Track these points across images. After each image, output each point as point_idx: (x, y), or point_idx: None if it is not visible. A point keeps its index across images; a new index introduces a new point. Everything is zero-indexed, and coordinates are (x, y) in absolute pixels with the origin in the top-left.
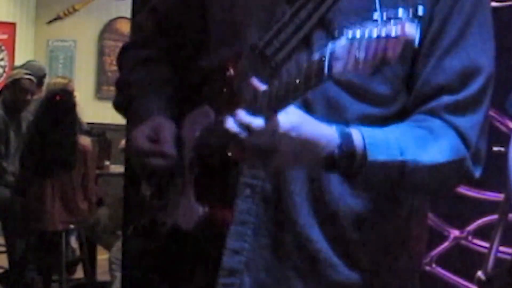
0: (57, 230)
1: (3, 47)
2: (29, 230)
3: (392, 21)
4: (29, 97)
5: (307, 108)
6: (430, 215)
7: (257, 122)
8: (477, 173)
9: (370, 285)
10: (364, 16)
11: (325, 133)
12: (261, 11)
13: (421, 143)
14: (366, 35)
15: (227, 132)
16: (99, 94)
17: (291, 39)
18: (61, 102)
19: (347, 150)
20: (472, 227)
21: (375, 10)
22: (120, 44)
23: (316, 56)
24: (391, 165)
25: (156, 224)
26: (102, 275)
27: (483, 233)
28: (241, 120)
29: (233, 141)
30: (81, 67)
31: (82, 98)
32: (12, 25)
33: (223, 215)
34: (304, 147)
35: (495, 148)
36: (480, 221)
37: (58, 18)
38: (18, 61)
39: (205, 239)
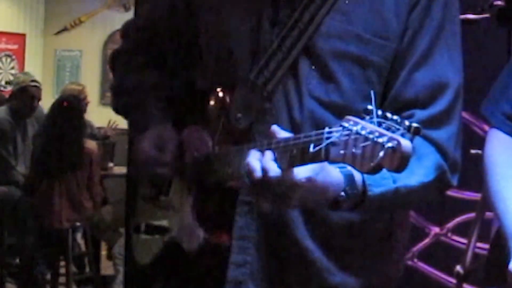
0: (64, 228)
1: (13, 57)
2: (38, 227)
3: (387, 125)
4: (35, 103)
5: (295, 128)
6: (412, 213)
7: (276, 170)
8: (455, 181)
9: (361, 283)
10: (347, 40)
11: (333, 180)
12: (248, 35)
13: (408, 167)
14: (363, 134)
15: (235, 165)
16: (103, 100)
17: (279, 68)
18: (69, 108)
19: (351, 192)
20: (451, 224)
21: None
22: (110, 53)
23: (315, 141)
24: (386, 194)
25: (157, 227)
26: (106, 269)
27: (461, 230)
28: (265, 163)
29: (248, 181)
30: (86, 75)
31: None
32: (22, 36)
33: (222, 238)
34: (315, 195)
35: (472, 151)
36: (458, 219)
37: (65, 29)
38: (27, 69)
39: (203, 254)
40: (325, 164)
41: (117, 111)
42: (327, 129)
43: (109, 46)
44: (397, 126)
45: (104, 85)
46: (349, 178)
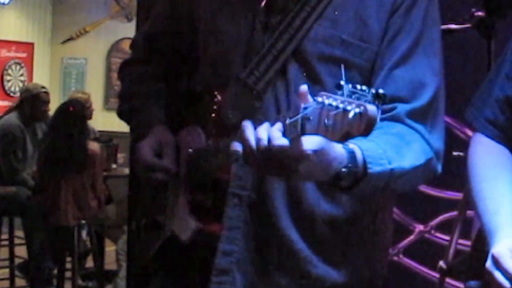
0: (70, 225)
1: (22, 64)
2: (45, 225)
3: (357, 96)
4: (45, 107)
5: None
6: (398, 212)
7: (284, 140)
8: (439, 169)
9: (343, 276)
10: (332, 44)
11: (337, 155)
12: (242, 39)
13: (399, 150)
14: (334, 105)
15: (227, 153)
16: (107, 105)
17: (269, 69)
18: (74, 112)
19: (353, 169)
20: (434, 222)
21: (342, 78)
22: (119, 64)
23: (292, 117)
24: (383, 174)
25: (156, 223)
26: (110, 264)
27: (444, 227)
28: (272, 131)
29: (251, 154)
30: (91, 82)
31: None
32: (31, 44)
33: (213, 228)
34: (320, 168)
35: (455, 153)
36: (441, 217)
37: (71, 38)
38: (35, 76)
39: (199, 245)
40: (329, 142)
41: (120, 116)
42: (303, 105)
43: (112, 54)
44: (365, 94)
45: (108, 91)
46: (352, 155)
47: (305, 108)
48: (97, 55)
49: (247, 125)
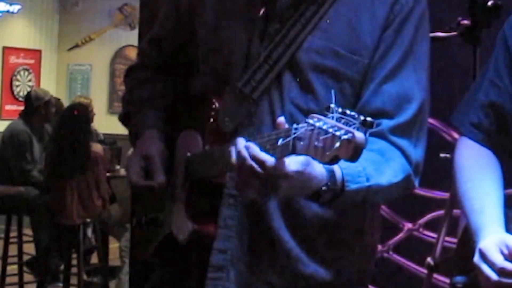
0: (76, 224)
1: (30, 70)
2: (52, 223)
3: (345, 121)
4: (54, 110)
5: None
6: (387, 210)
7: (271, 159)
8: (417, 183)
9: (333, 274)
10: (325, 55)
11: (318, 174)
12: (240, 47)
13: (379, 167)
14: (324, 128)
15: (222, 161)
16: (111, 109)
17: (265, 79)
18: (78, 116)
19: (332, 186)
20: (423, 220)
21: (331, 103)
22: (125, 70)
23: (284, 136)
24: (360, 191)
25: (156, 220)
26: (113, 261)
27: (432, 225)
28: (257, 155)
29: (241, 169)
30: (96, 87)
31: (97, 113)
32: (38, 52)
33: (209, 229)
34: (301, 185)
35: (442, 155)
36: (429, 216)
37: (76, 46)
38: (43, 82)
39: (195, 244)
40: (310, 158)
41: (120, 120)
42: (294, 125)
43: (116, 61)
44: (353, 121)
45: (112, 96)
46: (331, 174)
47: (296, 129)
48: (101, 62)
49: (238, 142)
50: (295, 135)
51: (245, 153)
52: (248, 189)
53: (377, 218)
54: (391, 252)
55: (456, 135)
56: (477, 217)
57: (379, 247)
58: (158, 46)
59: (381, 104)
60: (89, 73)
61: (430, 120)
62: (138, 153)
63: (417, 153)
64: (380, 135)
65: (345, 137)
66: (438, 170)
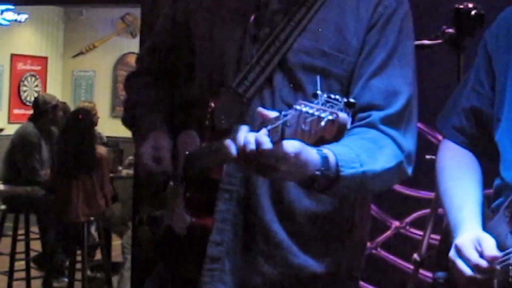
0: (80, 221)
1: (37, 76)
2: (58, 221)
3: (330, 104)
4: (61, 113)
5: None
6: (376, 209)
7: (269, 143)
8: (410, 171)
9: (323, 267)
10: (313, 55)
11: (313, 159)
12: (233, 51)
13: (372, 154)
14: (310, 112)
15: (218, 153)
16: (113, 113)
17: (257, 79)
18: (83, 120)
19: (326, 172)
20: (409, 219)
21: (317, 89)
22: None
23: (273, 123)
24: (355, 176)
25: (156, 219)
26: (116, 257)
27: (418, 223)
28: (259, 136)
29: (240, 155)
30: (99, 92)
31: (100, 116)
32: (45, 58)
33: (206, 222)
34: (297, 168)
35: (427, 156)
36: (416, 214)
37: (81, 53)
38: (49, 87)
39: (193, 237)
40: (306, 146)
41: (124, 123)
42: (283, 112)
43: (118, 67)
44: (337, 103)
45: (114, 100)
46: (325, 160)
47: (285, 115)
48: (104, 68)
49: (243, 128)
50: (284, 119)
51: (251, 138)
52: (254, 170)
53: (366, 214)
54: (379, 249)
55: (441, 138)
56: (456, 214)
57: (368, 244)
58: (156, 53)
59: (370, 98)
60: (92, 79)
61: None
62: (149, 144)
63: (408, 143)
64: (371, 126)
65: (330, 117)
66: (424, 170)
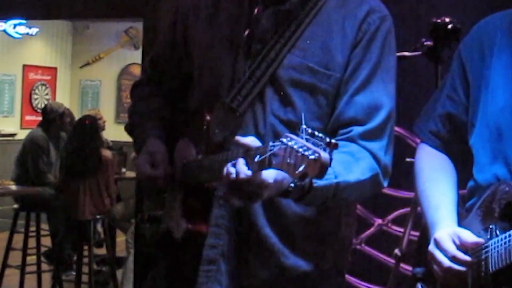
0: (87, 219)
1: (47, 85)
2: (66, 219)
3: (314, 141)
4: (69, 119)
5: (260, 138)
6: (360, 208)
7: (247, 172)
8: (386, 184)
9: (312, 266)
10: (301, 71)
11: (286, 175)
12: (228, 66)
13: (348, 166)
14: (295, 148)
15: (212, 170)
16: (118, 119)
17: (250, 94)
18: (89, 125)
19: (299, 184)
20: (391, 216)
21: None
22: (132, 84)
23: (261, 153)
24: (329, 187)
25: (156, 218)
26: (120, 252)
27: (399, 221)
28: (239, 169)
29: (224, 183)
30: (104, 100)
31: (106, 122)
32: (54, 69)
33: (201, 227)
34: (275, 189)
35: (407, 159)
36: (397, 212)
37: (87, 64)
38: (58, 96)
39: (190, 241)
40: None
41: (126, 130)
42: (270, 143)
43: (122, 77)
44: (320, 142)
45: (119, 107)
46: None
47: (272, 147)
48: (109, 78)
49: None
50: (271, 152)
51: (232, 170)
52: (233, 197)
53: (352, 216)
54: (363, 245)
55: (418, 142)
56: (433, 213)
57: (353, 240)
58: (157, 64)
59: (354, 113)
60: (98, 87)
61: (397, 129)
62: (146, 151)
63: (385, 156)
64: (350, 140)
65: (312, 157)
66: (405, 172)
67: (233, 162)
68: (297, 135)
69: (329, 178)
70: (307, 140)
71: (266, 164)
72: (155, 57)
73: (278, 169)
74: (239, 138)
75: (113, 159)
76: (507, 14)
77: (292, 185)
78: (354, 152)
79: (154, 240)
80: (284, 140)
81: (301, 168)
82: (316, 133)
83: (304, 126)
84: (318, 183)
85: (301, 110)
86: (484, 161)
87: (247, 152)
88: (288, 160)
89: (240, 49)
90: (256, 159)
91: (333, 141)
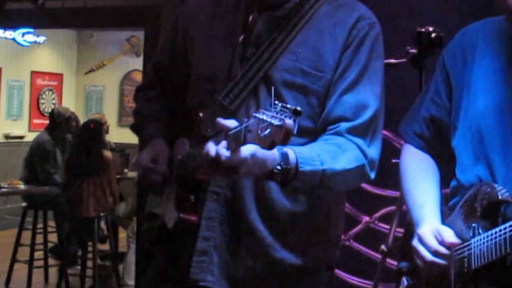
0: (91, 216)
1: (54, 91)
2: (71, 216)
3: (283, 112)
4: (74, 123)
5: None
6: (349, 206)
7: (225, 152)
8: (373, 175)
9: (301, 259)
10: (294, 73)
11: (270, 156)
12: (224, 68)
13: (334, 155)
14: (265, 119)
15: (202, 157)
16: (120, 123)
17: (241, 93)
18: (93, 129)
19: (285, 166)
20: (377, 214)
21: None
22: (135, 89)
23: (239, 127)
24: (315, 173)
25: (156, 215)
26: (122, 247)
27: (385, 218)
28: (219, 150)
29: (208, 163)
30: (107, 104)
31: (109, 124)
32: (60, 75)
33: (193, 219)
34: (257, 166)
35: (393, 160)
36: (383, 210)
37: (92, 70)
38: (64, 100)
39: (183, 232)
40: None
41: (132, 130)
42: (245, 120)
43: (124, 82)
44: (286, 111)
45: (121, 112)
46: (284, 156)
47: (247, 121)
48: (112, 83)
49: (209, 145)
50: (245, 124)
51: (210, 149)
52: (219, 174)
53: (341, 213)
54: (351, 241)
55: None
56: (418, 211)
57: (342, 236)
58: (159, 69)
59: (342, 112)
60: (102, 92)
61: (384, 132)
62: (149, 149)
63: (372, 151)
64: (338, 134)
65: (278, 123)
66: (391, 172)
67: (213, 140)
68: (270, 110)
69: (316, 164)
70: (277, 112)
71: (241, 141)
72: (157, 62)
73: (253, 143)
74: (219, 120)
75: (114, 160)
76: (488, 22)
77: (278, 167)
78: (340, 144)
79: (151, 235)
80: (257, 115)
81: (266, 132)
82: (285, 105)
83: (275, 101)
84: (304, 167)
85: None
86: (466, 162)
87: (227, 134)
88: (259, 132)
89: (236, 53)
90: (229, 133)
91: (298, 108)
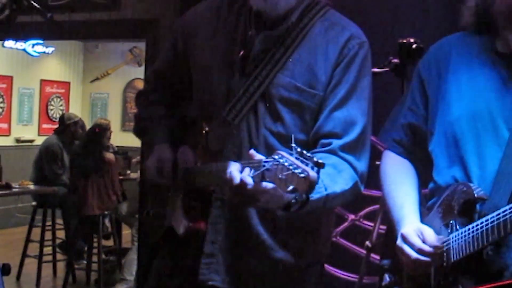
0: (96, 214)
1: (62, 97)
2: (78, 214)
3: (303, 159)
4: (80, 131)
5: (254, 148)
6: None
7: (250, 180)
8: (363, 189)
9: (297, 258)
10: (289, 90)
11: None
12: (224, 83)
13: (333, 178)
14: (286, 165)
15: (223, 180)
16: (123, 127)
17: (243, 108)
18: (98, 133)
19: (299, 199)
20: (363, 212)
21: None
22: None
23: (256, 167)
24: (320, 199)
25: (158, 215)
26: (126, 244)
27: (370, 216)
28: (244, 178)
29: (230, 188)
30: (112, 111)
31: (113, 131)
32: (68, 83)
33: (201, 225)
34: (274, 199)
35: (377, 162)
36: (368, 209)
37: (97, 79)
38: (71, 107)
39: (191, 237)
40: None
41: (135, 134)
42: (263, 159)
43: (127, 90)
44: (308, 161)
45: (124, 117)
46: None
47: (266, 162)
48: (116, 91)
49: (234, 166)
50: (264, 168)
51: (236, 174)
52: (234, 200)
53: (331, 215)
54: (338, 237)
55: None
56: (398, 211)
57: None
58: (160, 75)
59: (332, 127)
60: (106, 99)
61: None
62: (154, 157)
63: (361, 165)
64: (332, 152)
65: (302, 175)
66: (375, 174)
67: (235, 168)
68: (288, 153)
69: (321, 191)
70: (296, 158)
71: (260, 177)
72: (158, 69)
73: (271, 182)
74: (253, 152)
75: (117, 161)
76: (461, 35)
77: (293, 200)
78: (336, 164)
79: (159, 234)
80: (276, 157)
81: (291, 186)
82: (305, 152)
83: (294, 145)
84: (313, 196)
85: (289, 124)
86: (443, 165)
87: (258, 165)
88: (280, 176)
89: (235, 68)
90: (250, 174)
91: (320, 161)
